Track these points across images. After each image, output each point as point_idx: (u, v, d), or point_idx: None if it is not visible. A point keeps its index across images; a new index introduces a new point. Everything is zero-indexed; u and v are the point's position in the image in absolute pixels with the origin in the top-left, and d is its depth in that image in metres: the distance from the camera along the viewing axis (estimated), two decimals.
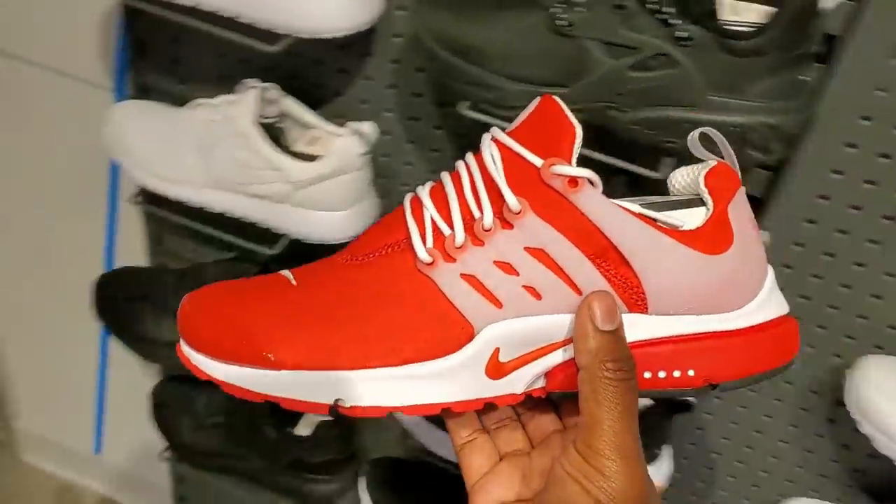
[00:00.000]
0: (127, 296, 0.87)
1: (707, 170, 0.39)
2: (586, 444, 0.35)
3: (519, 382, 0.38)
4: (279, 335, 0.37)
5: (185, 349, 0.38)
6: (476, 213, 0.37)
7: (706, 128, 0.39)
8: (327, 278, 0.39)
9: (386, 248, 0.38)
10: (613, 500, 0.34)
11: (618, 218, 0.36)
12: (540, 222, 0.36)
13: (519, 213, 0.36)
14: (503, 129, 0.39)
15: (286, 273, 0.40)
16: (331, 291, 0.38)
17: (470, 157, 0.39)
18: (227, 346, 0.37)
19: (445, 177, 0.39)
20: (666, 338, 0.38)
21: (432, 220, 0.38)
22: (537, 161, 0.36)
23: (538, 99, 0.39)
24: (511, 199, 0.36)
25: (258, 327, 0.37)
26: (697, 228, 0.37)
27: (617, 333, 0.36)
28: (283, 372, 0.36)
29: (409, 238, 0.38)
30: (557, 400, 0.42)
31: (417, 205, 0.39)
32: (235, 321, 0.37)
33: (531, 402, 0.41)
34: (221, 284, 0.40)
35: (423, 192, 0.39)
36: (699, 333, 0.38)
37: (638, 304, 0.37)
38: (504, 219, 0.37)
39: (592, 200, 0.36)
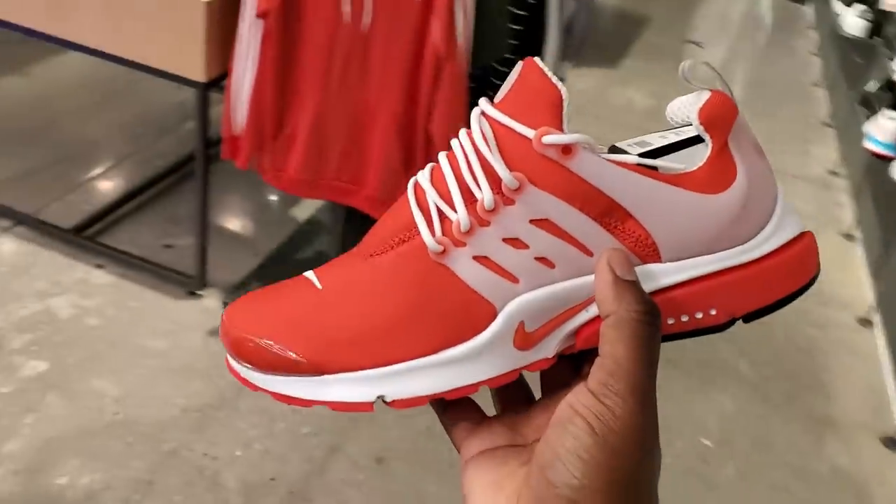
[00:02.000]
0: None
1: (700, 104, 0.38)
2: (602, 382, 0.34)
3: (549, 347, 0.39)
4: (315, 342, 0.38)
5: (233, 363, 0.41)
6: (477, 195, 0.37)
7: (699, 60, 0.38)
8: (349, 277, 0.40)
9: (397, 239, 0.39)
10: (621, 439, 0.33)
11: (617, 176, 0.36)
12: (540, 193, 0.37)
13: (518, 188, 0.37)
14: (491, 101, 0.39)
15: (310, 275, 0.41)
16: (355, 290, 0.39)
17: (463, 134, 0.39)
18: (267, 358, 0.39)
19: (443, 158, 0.40)
20: (683, 282, 0.38)
21: (437, 206, 0.38)
22: (528, 132, 0.36)
23: (520, 64, 0.38)
24: (506, 175, 0.37)
25: (292, 337, 0.39)
26: (697, 169, 0.37)
27: (636, 284, 0.37)
28: (326, 376, 0.38)
29: (417, 226, 0.39)
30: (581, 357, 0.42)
31: (420, 192, 0.39)
32: (270, 332, 0.39)
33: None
34: (255, 294, 0.41)
35: (424, 177, 0.40)
36: (716, 272, 0.38)
37: (650, 254, 0.38)
38: (505, 195, 0.37)
39: (589, 164, 0.36)
